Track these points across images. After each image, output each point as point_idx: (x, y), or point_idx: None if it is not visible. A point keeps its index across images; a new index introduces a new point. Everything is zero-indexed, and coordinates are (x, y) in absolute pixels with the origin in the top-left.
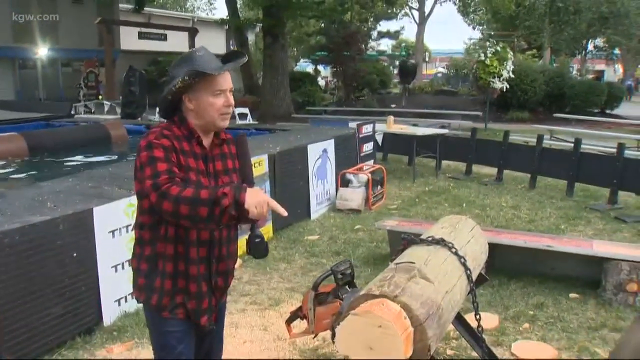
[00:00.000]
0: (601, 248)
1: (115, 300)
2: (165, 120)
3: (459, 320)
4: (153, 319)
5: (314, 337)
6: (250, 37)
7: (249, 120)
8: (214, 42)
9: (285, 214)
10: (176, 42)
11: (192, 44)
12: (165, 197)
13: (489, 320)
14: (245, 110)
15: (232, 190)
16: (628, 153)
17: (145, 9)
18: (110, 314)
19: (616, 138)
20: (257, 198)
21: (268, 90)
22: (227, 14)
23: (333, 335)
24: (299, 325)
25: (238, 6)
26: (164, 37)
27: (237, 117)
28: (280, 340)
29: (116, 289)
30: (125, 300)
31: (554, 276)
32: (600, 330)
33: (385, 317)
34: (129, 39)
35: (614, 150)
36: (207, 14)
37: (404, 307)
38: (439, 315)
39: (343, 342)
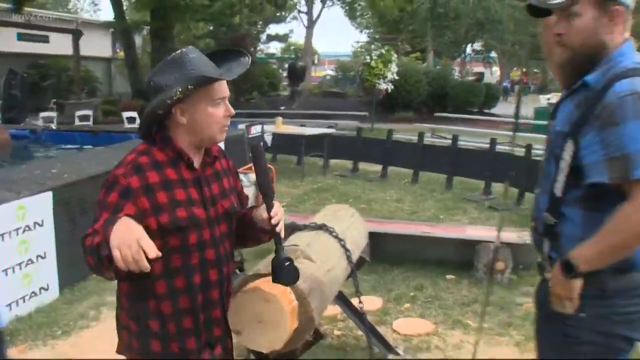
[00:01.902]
0: (472, 232)
1: (7, 305)
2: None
3: (344, 301)
4: None
5: None
6: (138, 40)
7: (138, 124)
8: (100, 45)
9: (158, 254)
10: (59, 44)
11: (76, 46)
12: (84, 252)
13: (373, 302)
14: (134, 114)
15: (104, 224)
16: (500, 148)
17: (24, 9)
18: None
19: (492, 135)
20: (124, 235)
21: None
22: (112, 16)
23: None
24: None
25: (125, 8)
26: (45, 39)
27: (126, 120)
28: None
29: (7, 292)
30: (17, 304)
31: (433, 261)
32: (472, 305)
33: (272, 292)
34: (7, 40)
35: (488, 146)
36: (92, 15)
37: None
38: (321, 290)
39: (234, 318)
